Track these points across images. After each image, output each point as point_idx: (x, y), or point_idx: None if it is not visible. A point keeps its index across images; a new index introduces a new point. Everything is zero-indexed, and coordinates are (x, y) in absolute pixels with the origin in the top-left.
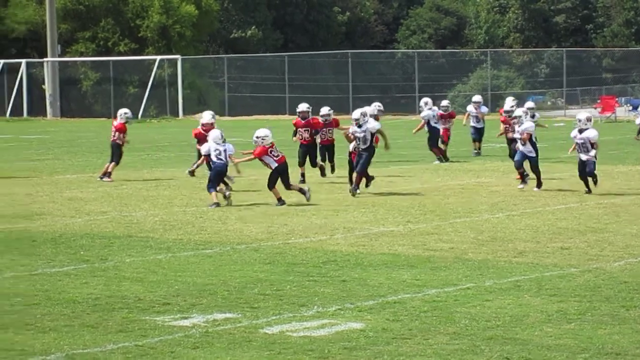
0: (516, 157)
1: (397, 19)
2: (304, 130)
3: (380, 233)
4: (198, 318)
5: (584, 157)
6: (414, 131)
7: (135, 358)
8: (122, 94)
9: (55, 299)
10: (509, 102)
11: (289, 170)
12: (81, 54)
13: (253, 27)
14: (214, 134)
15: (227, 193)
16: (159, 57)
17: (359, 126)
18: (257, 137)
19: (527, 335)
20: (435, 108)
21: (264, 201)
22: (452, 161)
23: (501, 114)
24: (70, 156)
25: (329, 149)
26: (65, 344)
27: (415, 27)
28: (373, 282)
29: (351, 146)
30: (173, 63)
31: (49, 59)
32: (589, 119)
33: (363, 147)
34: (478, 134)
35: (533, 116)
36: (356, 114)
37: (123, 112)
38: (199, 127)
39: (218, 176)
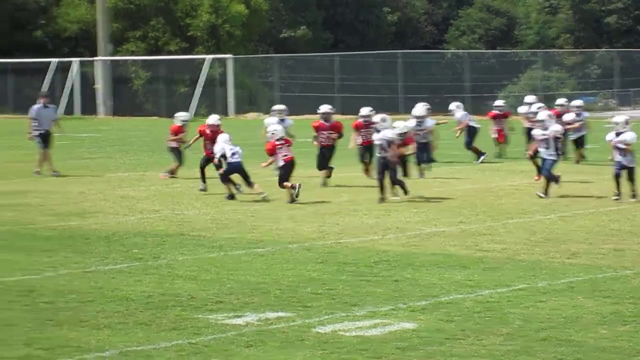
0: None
1: (446, 19)
2: (329, 133)
3: (432, 233)
4: (251, 316)
5: (624, 161)
6: (457, 134)
7: (188, 356)
8: (173, 93)
9: (109, 296)
10: (560, 102)
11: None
12: (132, 53)
13: (303, 27)
14: (225, 136)
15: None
16: (209, 57)
17: (378, 131)
18: (268, 132)
19: (581, 337)
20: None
21: (315, 200)
22: (492, 162)
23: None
24: (122, 154)
25: (369, 149)
26: (119, 341)
27: (465, 27)
28: (425, 282)
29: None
30: (223, 62)
31: (100, 57)
32: (627, 122)
33: (385, 153)
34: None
35: (579, 114)
36: (376, 117)
37: (180, 115)
38: (206, 127)
39: (231, 173)
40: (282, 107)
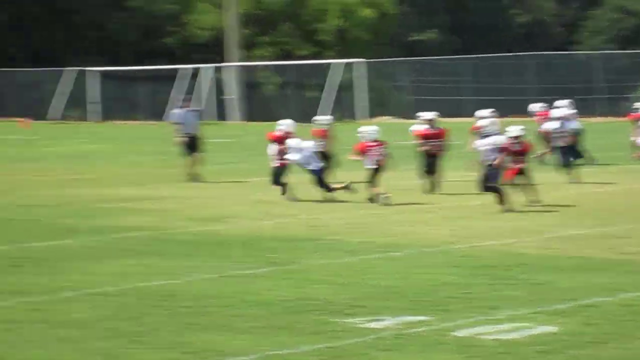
0: None
1: (576, 20)
2: (438, 141)
3: (569, 236)
4: (389, 320)
5: None
6: None
7: None
8: (303, 98)
9: (248, 300)
10: None
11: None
12: (262, 58)
13: (432, 30)
14: (299, 141)
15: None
16: (338, 61)
17: (486, 136)
18: (360, 133)
19: None
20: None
21: (449, 204)
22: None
23: None
24: (256, 160)
25: None
26: (259, 346)
27: (596, 28)
28: (564, 285)
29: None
30: (352, 67)
31: (232, 63)
32: None
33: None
34: None
35: None
36: (484, 121)
37: (321, 119)
38: (278, 132)
39: (319, 181)
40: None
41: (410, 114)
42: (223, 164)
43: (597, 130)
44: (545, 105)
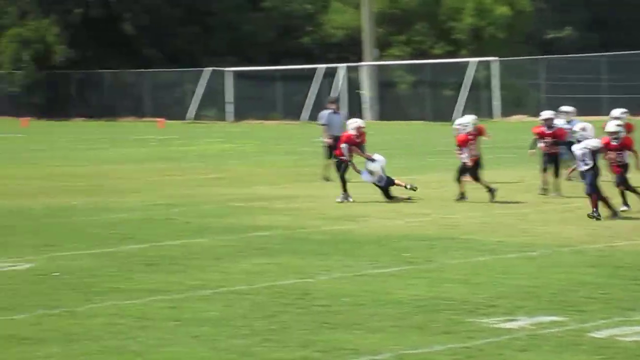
0: None
1: None
2: (553, 141)
3: None
4: (524, 320)
5: None
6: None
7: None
8: (438, 97)
9: (381, 299)
10: None
11: None
12: (397, 58)
13: (569, 27)
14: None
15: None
16: (473, 59)
17: (578, 141)
18: (459, 125)
19: None
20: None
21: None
22: None
23: None
24: (389, 159)
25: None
26: (393, 344)
27: None
28: None
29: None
30: (488, 65)
31: (366, 62)
32: None
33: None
34: None
35: None
36: (577, 126)
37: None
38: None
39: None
40: (570, 108)
41: None
42: (356, 163)
43: None
44: None
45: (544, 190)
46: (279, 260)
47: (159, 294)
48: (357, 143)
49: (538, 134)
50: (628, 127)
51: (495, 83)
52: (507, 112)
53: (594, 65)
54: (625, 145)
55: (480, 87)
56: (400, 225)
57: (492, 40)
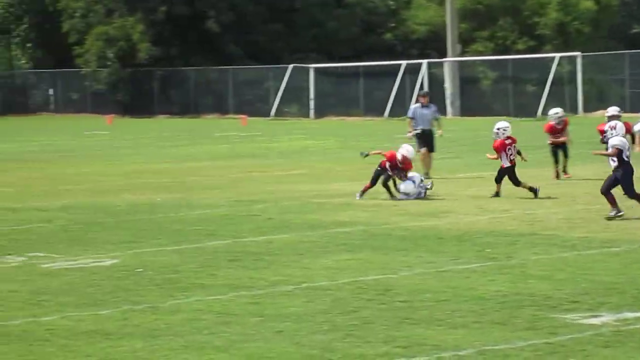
0: None
1: None
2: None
3: None
4: (608, 317)
5: None
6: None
7: (545, 356)
8: (521, 92)
9: (463, 295)
10: None
11: None
12: (479, 53)
13: None
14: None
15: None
16: (558, 54)
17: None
18: (498, 129)
19: None
20: None
21: None
22: None
23: None
24: (471, 154)
25: None
26: (475, 340)
27: None
28: None
29: None
30: (572, 60)
31: (449, 58)
32: None
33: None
34: None
35: None
36: (606, 126)
37: (553, 112)
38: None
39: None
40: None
41: (627, 108)
42: (437, 159)
43: None
44: None
45: None
46: (360, 256)
47: (242, 289)
48: (398, 167)
49: (601, 131)
50: None
51: (579, 78)
52: (589, 107)
53: None
54: None
55: (564, 82)
56: (483, 221)
57: (577, 35)
